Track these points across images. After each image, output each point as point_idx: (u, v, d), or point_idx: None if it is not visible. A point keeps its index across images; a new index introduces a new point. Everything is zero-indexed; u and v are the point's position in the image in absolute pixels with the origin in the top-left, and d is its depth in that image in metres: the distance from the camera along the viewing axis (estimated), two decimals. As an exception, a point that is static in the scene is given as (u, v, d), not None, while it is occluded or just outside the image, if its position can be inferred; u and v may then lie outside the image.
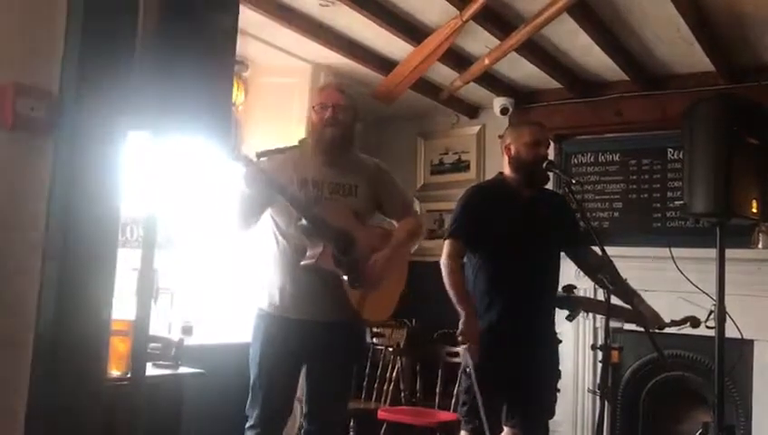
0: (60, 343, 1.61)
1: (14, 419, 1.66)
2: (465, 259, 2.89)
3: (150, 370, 2.72)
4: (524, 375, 2.80)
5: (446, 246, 2.84)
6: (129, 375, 2.24)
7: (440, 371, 4.17)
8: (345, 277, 2.54)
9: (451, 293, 2.80)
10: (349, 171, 2.69)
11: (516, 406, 2.86)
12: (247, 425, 2.66)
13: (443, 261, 2.82)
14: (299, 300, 2.60)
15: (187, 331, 3.55)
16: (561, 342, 2.99)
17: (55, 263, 1.60)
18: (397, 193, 2.82)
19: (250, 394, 2.66)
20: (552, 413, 2.95)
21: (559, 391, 2.97)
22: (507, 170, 2.94)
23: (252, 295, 2.79)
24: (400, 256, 2.74)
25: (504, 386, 2.79)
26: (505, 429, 2.87)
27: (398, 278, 2.78)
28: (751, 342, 3.75)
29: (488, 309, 2.81)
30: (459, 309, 2.76)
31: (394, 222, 2.81)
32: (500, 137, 3.06)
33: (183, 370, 2.86)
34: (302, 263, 2.54)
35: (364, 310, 2.61)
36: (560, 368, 2.96)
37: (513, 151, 2.90)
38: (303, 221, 2.50)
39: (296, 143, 2.80)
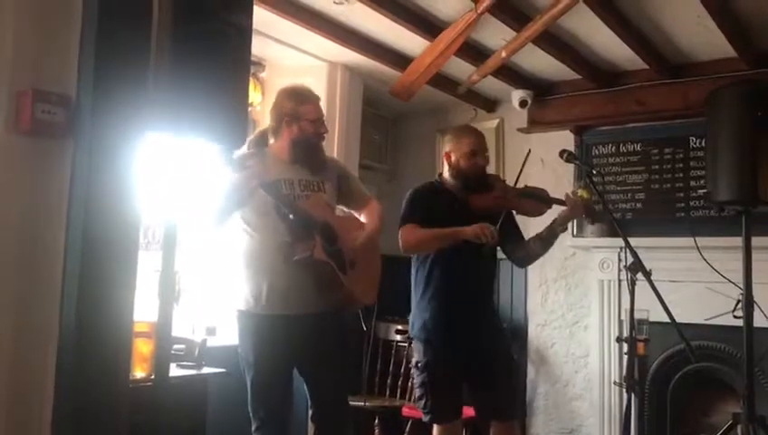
0: (83, 346, 1.62)
1: (41, 424, 1.68)
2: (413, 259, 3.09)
3: (174, 371, 2.74)
4: (477, 363, 2.96)
5: (402, 232, 2.96)
6: (152, 376, 2.26)
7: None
8: (335, 265, 2.67)
9: (432, 239, 2.92)
10: (315, 170, 2.82)
11: (481, 399, 3.05)
12: (254, 427, 2.69)
13: (402, 243, 2.95)
14: (287, 295, 2.67)
15: (210, 331, 3.57)
16: (505, 327, 3.21)
17: (76, 266, 1.62)
18: (356, 185, 3.02)
19: (250, 396, 2.71)
20: (513, 395, 3.17)
21: (516, 374, 3.17)
22: (446, 175, 3.08)
23: (230, 296, 2.83)
24: (375, 239, 2.91)
25: (459, 372, 2.98)
26: (492, 424, 3.04)
27: (377, 261, 2.93)
28: (780, 331, 3.69)
29: (429, 302, 2.97)
30: (448, 238, 2.87)
31: (355, 212, 2.98)
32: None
33: (207, 370, 2.88)
34: (296, 258, 2.62)
35: (357, 293, 2.77)
36: (513, 355, 3.21)
37: (452, 160, 3.04)
38: (291, 217, 2.58)
39: (249, 147, 2.83)
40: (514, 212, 3.11)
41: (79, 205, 1.67)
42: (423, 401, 2.97)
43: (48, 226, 1.70)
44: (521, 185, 3.05)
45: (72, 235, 1.67)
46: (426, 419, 2.99)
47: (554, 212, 3.05)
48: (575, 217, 2.99)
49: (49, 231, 1.69)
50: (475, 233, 2.80)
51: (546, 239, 3.01)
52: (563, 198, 3.01)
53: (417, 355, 3.02)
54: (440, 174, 3.15)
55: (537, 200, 3.03)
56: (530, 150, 3.05)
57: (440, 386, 2.95)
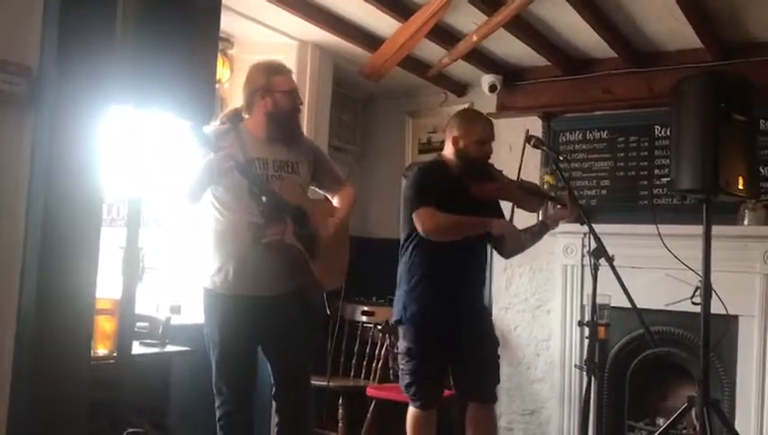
0: (43, 322, 1.59)
1: (-1, 398, 1.65)
2: (404, 236, 3.03)
3: (138, 348, 2.72)
4: (466, 347, 2.98)
5: (421, 214, 2.89)
6: (115, 354, 2.23)
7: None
8: (305, 250, 2.66)
9: (459, 227, 2.90)
10: (291, 149, 2.79)
11: (467, 381, 3.04)
12: (218, 403, 2.70)
13: (426, 227, 2.88)
14: (254, 276, 2.66)
15: (174, 310, 3.53)
16: (491, 314, 3.19)
17: (37, 241, 1.59)
18: (331, 168, 3.00)
19: (214, 374, 2.71)
20: (497, 379, 3.17)
21: (499, 357, 3.16)
22: (450, 156, 3.05)
23: (195, 274, 2.81)
24: (346, 224, 2.90)
25: (447, 357, 2.99)
26: (469, 405, 3.07)
27: (345, 247, 2.92)
28: (736, 317, 3.78)
29: (426, 286, 2.96)
30: (475, 227, 2.90)
31: (327, 194, 2.98)
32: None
33: (170, 348, 2.86)
34: (265, 241, 2.60)
35: (324, 279, 2.76)
36: (497, 338, 3.21)
37: (461, 145, 3.02)
38: (264, 199, 2.57)
39: (223, 122, 2.78)
40: (514, 205, 3.12)
41: (39, 178, 1.63)
42: (413, 389, 2.97)
43: (7, 199, 1.66)
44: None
45: (33, 209, 1.64)
46: (414, 405, 2.99)
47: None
48: (570, 217, 3.01)
49: (8, 205, 1.66)
50: (500, 229, 2.87)
51: (537, 234, 3.06)
52: (560, 198, 3.04)
53: (406, 341, 3.00)
54: (439, 154, 3.14)
55: (535, 196, 3.05)
56: (522, 161, 3.09)
57: (430, 373, 2.97)
